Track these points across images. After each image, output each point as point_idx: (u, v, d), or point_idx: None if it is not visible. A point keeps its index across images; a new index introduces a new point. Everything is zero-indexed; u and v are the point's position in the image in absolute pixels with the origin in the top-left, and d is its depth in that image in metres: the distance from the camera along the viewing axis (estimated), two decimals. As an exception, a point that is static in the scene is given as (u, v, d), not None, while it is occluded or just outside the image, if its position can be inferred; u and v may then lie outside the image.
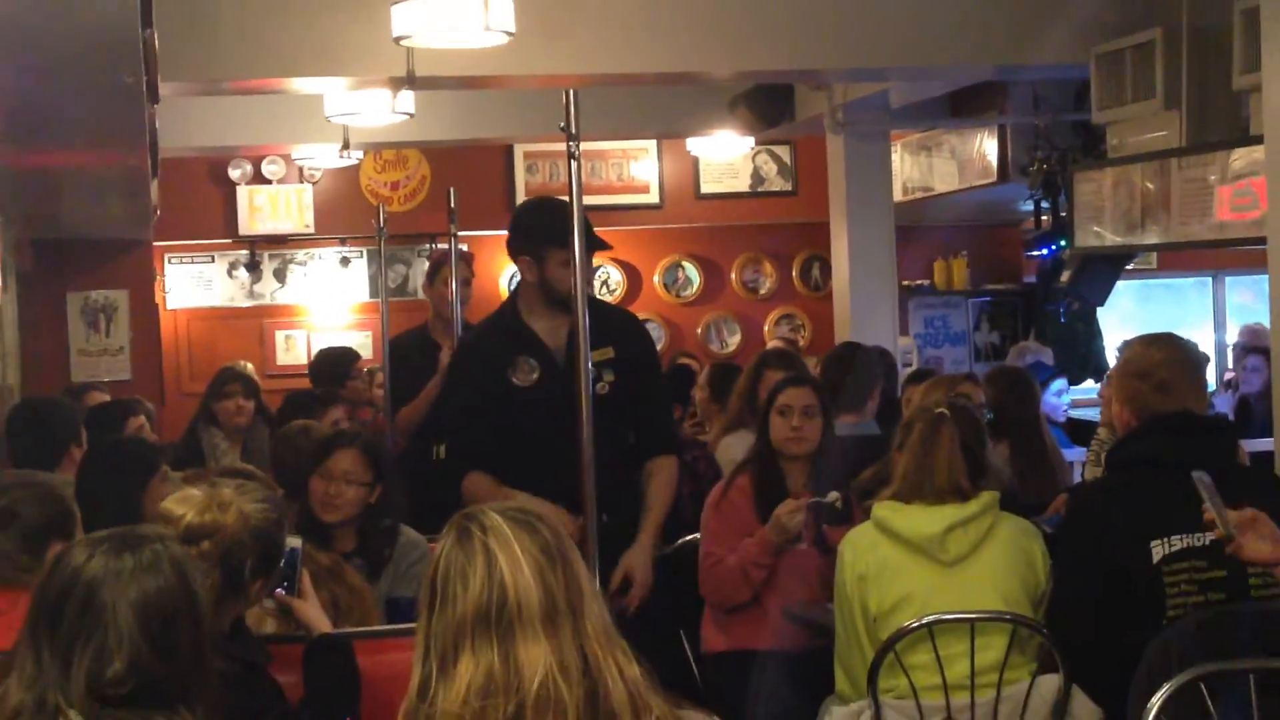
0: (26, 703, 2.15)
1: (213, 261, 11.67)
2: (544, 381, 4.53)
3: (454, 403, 4.95)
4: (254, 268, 11.63)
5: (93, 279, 10.01)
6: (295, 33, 6.90)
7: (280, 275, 11.74)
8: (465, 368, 4.94)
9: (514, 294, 4.74)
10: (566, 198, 4.12)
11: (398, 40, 5.72)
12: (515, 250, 4.85)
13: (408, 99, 7.66)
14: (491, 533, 2.03)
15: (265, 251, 11.68)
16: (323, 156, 9.99)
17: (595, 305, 4.68)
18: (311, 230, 11.56)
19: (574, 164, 3.80)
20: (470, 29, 5.50)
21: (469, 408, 4.81)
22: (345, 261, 11.82)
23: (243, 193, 11.45)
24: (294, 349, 11.62)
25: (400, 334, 6.51)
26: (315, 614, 3.29)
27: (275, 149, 10.65)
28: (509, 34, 5.57)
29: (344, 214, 11.44)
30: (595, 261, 11.94)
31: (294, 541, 3.32)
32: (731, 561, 4.78)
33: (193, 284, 11.64)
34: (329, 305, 11.79)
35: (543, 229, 4.68)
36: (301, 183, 11.49)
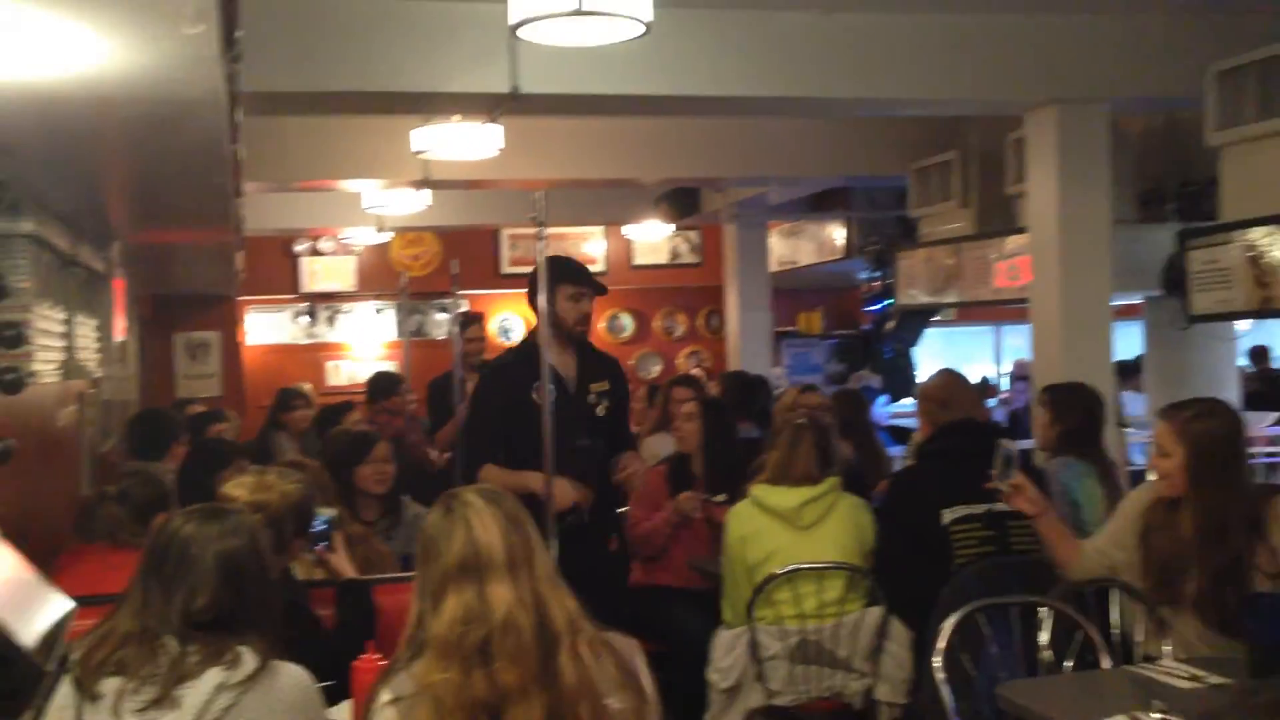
0: (134, 630, 2.12)
1: (281, 311, 11.60)
2: (558, 402, 4.05)
3: (480, 411, 4.38)
4: (312, 315, 11.60)
5: (193, 323, 9.89)
6: (343, 147, 6.90)
7: (331, 321, 11.69)
8: (492, 387, 4.41)
9: (534, 331, 4.20)
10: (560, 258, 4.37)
11: (417, 154, 5.73)
12: (533, 296, 4.23)
13: (426, 195, 7.65)
14: (468, 506, 2.03)
15: (320, 304, 11.63)
16: (362, 236, 9.95)
17: (594, 350, 4.42)
18: (354, 288, 11.52)
19: (542, 244, 3.79)
20: (470, 147, 5.51)
21: (490, 416, 4.31)
22: (378, 311, 11.77)
23: (304, 261, 11.40)
24: (340, 374, 11.59)
25: (438, 376, 6.30)
26: (345, 565, 3.26)
27: (329, 230, 10.59)
28: (498, 150, 5.59)
29: (378, 277, 11.40)
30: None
31: (330, 511, 3.30)
32: (646, 526, 4.77)
33: (266, 327, 11.55)
34: (366, 343, 11.74)
35: (552, 273, 4.28)
36: (347, 254, 11.44)
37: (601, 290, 4.36)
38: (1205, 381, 6.35)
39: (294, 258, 11.40)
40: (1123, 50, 5.15)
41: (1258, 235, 4.66)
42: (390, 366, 10.56)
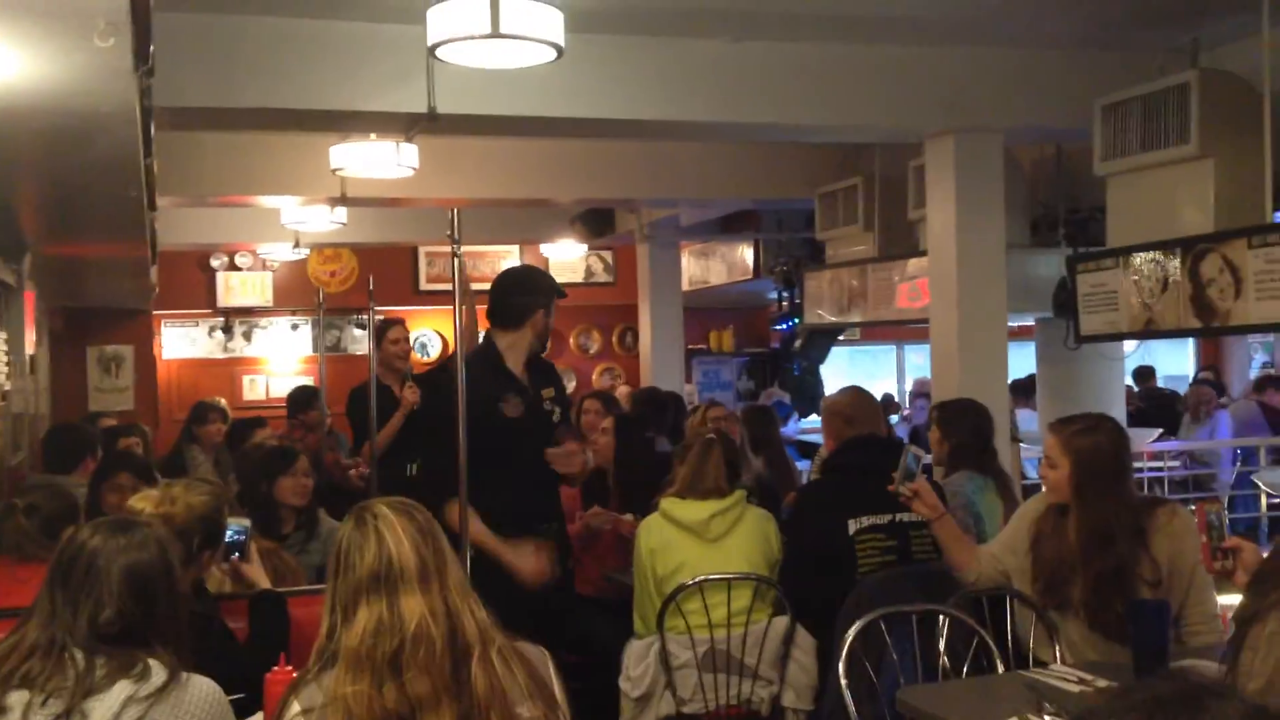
0: (41, 642, 2.06)
1: (197, 325, 11.39)
2: (525, 413, 3.88)
3: (441, 429, 3.71)
4: (228, 330, 11.39)
5: (106, 337, 9.65)
6: (260, 163, 6.80)
7: (248, 336, 11.49)
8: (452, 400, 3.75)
9: (492, 344, 4.01)
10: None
11: (334, 171, 5.66)
12: (522, 310, 4.02)
13: (342, 212, 7.56)
14: (381, 519, 2.01)
15: (236, 319, 11.44)
16: (279, 252, 9.80)
17: (541, 359, 4.15)
18: (271, 304, 11.34)
19: (457, 261, 3.76)
20: (386, 165, 5.47)
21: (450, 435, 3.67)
22: (295, 327, 11.59)
23: (220, 276, 11.20)
24: (256, 389, 11.39)
25: (359, 385, 5.86)
26: (258, 575, 3.20)
27: (245, 246, 10.42)
28: (414, 169, 5.55)
29: (295, 292, 11.24)
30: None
31: (243, 522, 3.22)
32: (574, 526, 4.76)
33: (182, 341, 11.33)
34: (282, 358, 11.55)
35: (547, 291, 4.10)
36: (264, 270, 11.26)
37: (562, 294, 4.18)
38: (1093, 399, 6.51)
39: (210, 272, 11.20)
40: (1017, 82, 5.29)
41: (1141, 260, 4.81)
42: (307, 381, 10.42)
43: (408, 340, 6.17)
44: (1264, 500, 8.53)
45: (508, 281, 4.18)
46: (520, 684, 1.94)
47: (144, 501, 2.93)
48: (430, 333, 11.60)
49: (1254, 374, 12.17)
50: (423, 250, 11.47)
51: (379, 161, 5.44)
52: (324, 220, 7.56)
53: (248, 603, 3.11)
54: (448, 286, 4.02)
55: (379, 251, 10.84)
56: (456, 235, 3.71)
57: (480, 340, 4.26)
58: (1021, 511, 3.51)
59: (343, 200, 6.93)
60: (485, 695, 1.88)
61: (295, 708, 1.89)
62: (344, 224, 7.77)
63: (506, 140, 6.96)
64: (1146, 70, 4.97)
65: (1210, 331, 4.58)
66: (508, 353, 4.01)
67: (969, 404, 4.55)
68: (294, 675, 2.16)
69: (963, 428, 4.44)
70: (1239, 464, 9.01)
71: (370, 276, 5.69)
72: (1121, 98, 4.90)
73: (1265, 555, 2.51)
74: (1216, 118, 4.53)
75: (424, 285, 11.57)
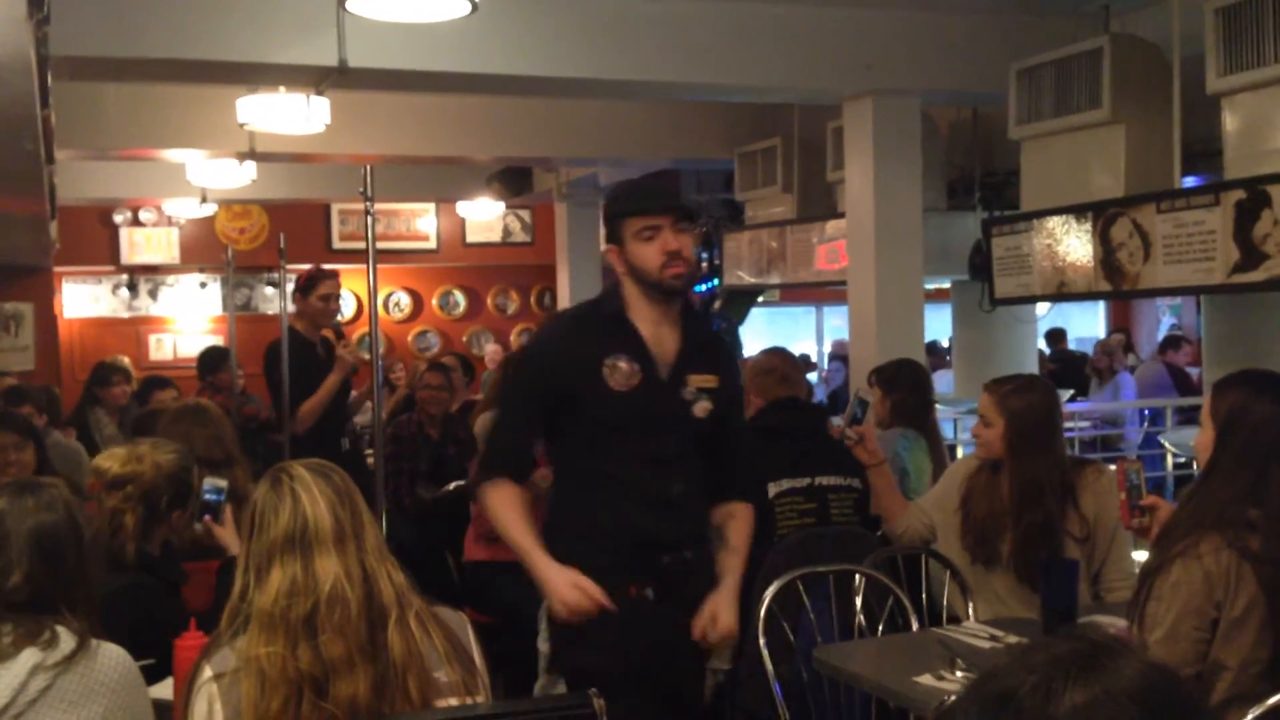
0: None
1: (100, 283, 11.11)
2: (642, 391, 2.68)
3: (514, 400, 2.95)
4: (133, 288, 11.14)
5: (4, 294, 9.37)
6: (165, 116, 6.63)
7: (153, 294, 11.25)
8: (540, 366, 2.87)
9: (615, 289, 2.83)
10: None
11: (241, 125, 5.54)
12: (612, 228, 2.83)
13: (252, 168, 7.41)
14: (297, 480, 1.99)
15: (141, 276, 11.18)
16: (186, 208, 9.58)
17: (701, 322, 3.02)
18: (177, 261, 11.08)
19: (370, 219, 3.72)
20: (296, 120, 5.36)
21: (527, 411, 2.82)
22: (203, 285, 11.37)
23: (124, 232, 10.91)
24: (163, 349, 11.16)
25: (277, 339, 5.26)
26: (230, 538, 3.08)
27: (150, 201, 10.16)
28: (326, 124, 5.45)
29: (203, 249, 11.00)
30: (385, 289, 11.52)
31: (218, 482, 3.14)
32: None
33: (84, 299, 11.06)
34: (190, 317, 11.33)
35: (618, 201, 2.85)
36: (170, 226, 11.00)
37: (691, 216, 2.78)
38: (1007, 361, 6.65)
39: (113, 228, 10.89)
40: (934, 46, 5.34)
41: (1054, 224, 4.91)
42: (217, 341, 10.24)
43: (339, 297, 5.64)
44: (1170, 460, 8.82)
45: (612, 196, 3.00)
46: (438, 648, 1.94)
47: (110, 460, 2.87)
48: (344, 292, 11.46)
49: (1160, 335, 12.53)
50: (335, 208, 11.29)
51: (288, 116, 5.32)
52: (232, 176, 7.40)
53: (219, 565, 3.05)
54: (361, 245, 3.98)
55: (290, 208, 10.65)
56: (370, 193, 3.67)
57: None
58: (952, 469, 3.61)
59: (251, 155, 6.79)
60: (402, 659, 1.89)
61: (207, 672, 1.88)
62: (253, 180, 7.62)
63: (422, 96, 6.86)
64: (1061, 35, 5.05)
65: (1120, 295, 4.70)
66: (636, 302, 2.78)
67: (907, 363, 4.64)
68: (202, 640, 2.14)
69: (904, 385, 4.52)
70: (1146, 424, 9.30)
71: (281, 234, 5.58)
72: (1035, 62, 4.98)
73: (1174, 509, 2.61)
74: (1127, 83, 4.63)
75: (337, 244, 11.40)
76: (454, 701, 1.90)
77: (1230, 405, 2.41)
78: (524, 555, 2.80)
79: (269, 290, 11.07)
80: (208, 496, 3.06)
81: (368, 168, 3.58)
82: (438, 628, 1.96)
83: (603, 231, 2.89)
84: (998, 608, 3.33)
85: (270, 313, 10.72)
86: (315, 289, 5.39)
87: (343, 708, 1.83)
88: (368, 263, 3.54)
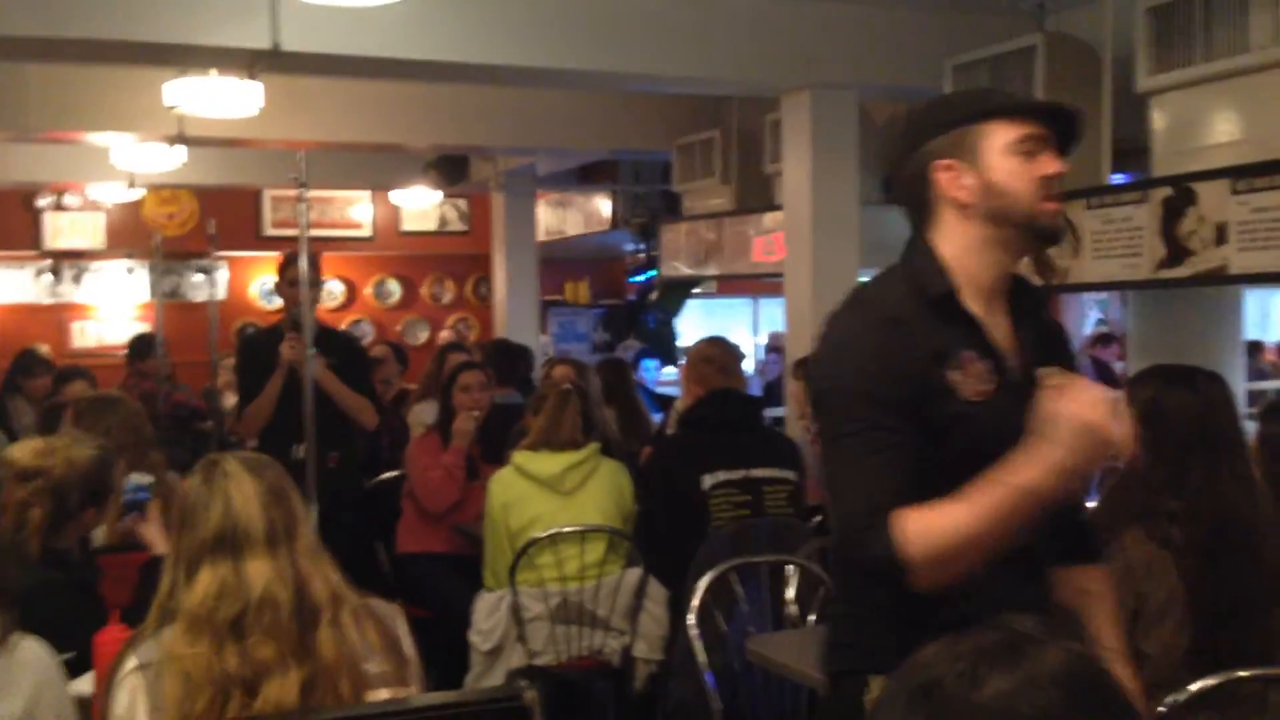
0: None
1: (22, 268, 10.85)
2: (998, 398, 1.82)
3: (855, 435, 1.80)
4: (56, 274, 10.89)
5: (-81, 278, 9.13)
6: (90, 98, 6.49)
7: (77, 280, 11.00)
8: (873, 380, 1.81)
9: (920, 247, 1.91)
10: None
11: (168, 108, 5.44)
12: (923, 154, 1.89)
13: (182, 152, 7.28)
14: (229, 476, 1.95)
15: (65, 262, 10.93)
16: (113, 192, 9.37)
17: (1032, 293, 1.97)
18: (103, 247, 10.85)
19: (303, 205, 3.68)
20: (226, 103, 5.27)
21: (888, 438, 1.79)
22: (130, 271, 11.15)
23: (48, 217, 10.65)
24: (86, 337, 10.93)
25: (248, 329, 4.86)
26: (154, 537, 3.01)
27: (74, 185, 9.94)
28: (260, 108, 5.36)
29: (130, 235, 10.75)
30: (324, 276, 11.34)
31: (144, 479, 3.07)
32: (438, 472, 4.71)
33: (5, 285, 10.80)
34: (115, 304, 11.11)
35: (979, 97, 1.95)
36: (96, 210, 10.76)
37: (1078, 138, 1.90)
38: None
39: (36, 212, 10.63)
40: (872, 41, 5.38)
41: (987, 219, 4.97)
42: (144, 329, 10.06)
43: (319, 284, 5.10)
44: (1096, 452, 8.97)
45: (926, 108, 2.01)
46: (372, 642, 1.93)
47: (21, 451, 2.79)
48: (274, 279, 11.31)
49: (1088, 330, 12.76)
50: (267, 194, 11.12)
51: (218, 99, 5.23)
52: (161, 160, 7.26)
53: (143, 563, 2.98)
54: (294, 232, 3.92)
55: (221, 194, 10.46)
56: (303, 179, 3.63)
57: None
58: None
59: (181, 139, 6.67)
60: (334, 659, 1.87)
61: (132, 662, 1.85)
62: (184, 164, 7.48)
63: (357, 82, 6.78)
64: (997, 32, 5.12)
65: (1050, 289, 4.77)
66: (964, 258, 1.88)
67: None
68: (126, 635, 2.10)
69: None
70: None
71: (211, 220, 5.50)
72: (970, 59, 5.04)
73: (1094, 505, 2.65)
74: (1060, 81, 4.70)
75: (268, 230, 11.24)
76: (385, 693, 1.89)
77: (1145, 399, 2.45)
78: (1015, 493, 1.67)
79: (198, 277, 10.89)
80: (132, 495, 3.00)
81: (303, 154, 3.53)
82: (372, 622, 1.95)
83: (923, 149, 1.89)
84: None
85: (198, 299, 10.54)
86: (285, 272, 4.85)
87: (271, 708, 1.81)
88: (302, 252, 3.50)
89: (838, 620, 1.99)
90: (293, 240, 4.20)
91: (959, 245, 1.86)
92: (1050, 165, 1.83)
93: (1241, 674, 2.23)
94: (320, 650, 1.86)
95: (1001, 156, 1.83)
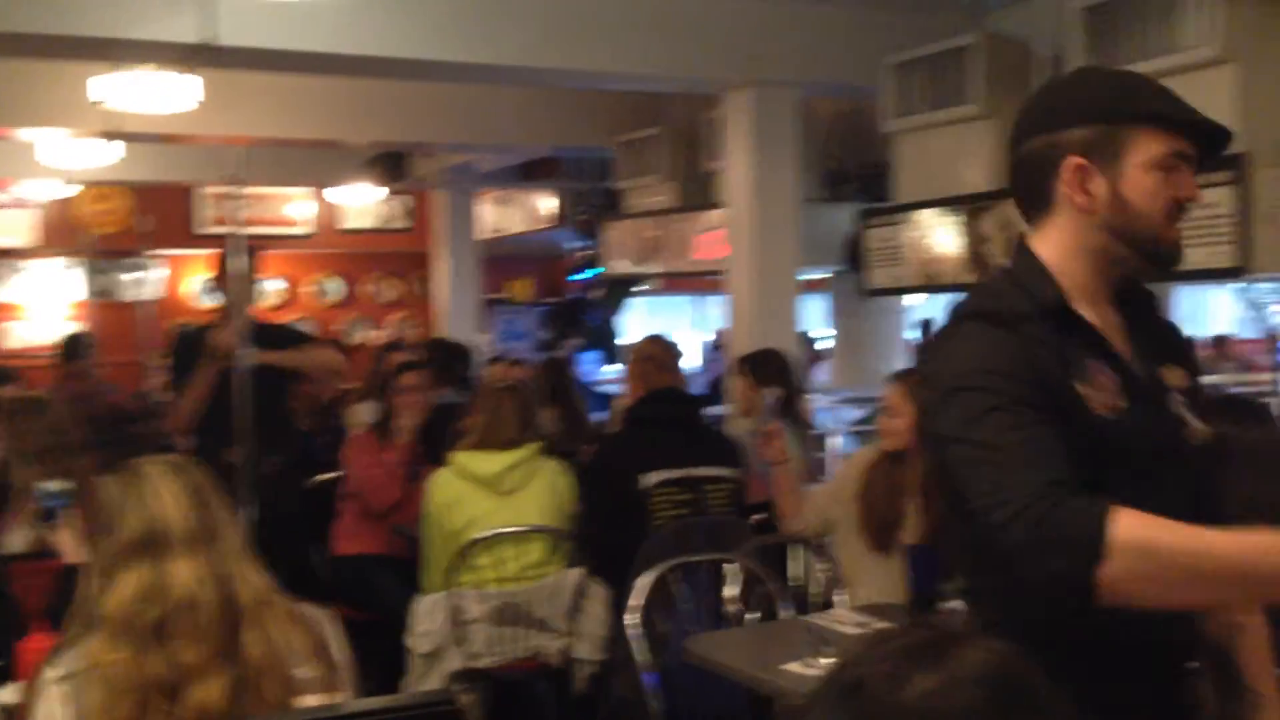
0: None
1: (-51, 267, 10.60)
2: (1132, 413, 1.61)
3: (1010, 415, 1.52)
4: (-17, 273, 10.65)
5: None
6: (19, 92, 6.35)
7: (6, 279, 10.76)
8: (1018, 389, 1.54)
9: (1022, 249, 1.71)
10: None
11: (95, 103, 5.33)
12: (1055, 141, 1.64)
13: (118, 148, 7.14)
14: (149, 478, 1.91)
15: (-7, 260, 10.69)
16: (44, 189, 9.18)
17: (1140, 292, 1.77)
18: (34, 245, 10.61)
19: (241, 202, 3.61)
20: (163, 99, 5.16)
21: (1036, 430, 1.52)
22: (63, 269, 10.92)
23: (-26, 215, 10.43)
24: (13, 337, 10.69)
25: (183, 326, 4.68)
26: (68, 544, 2.92)
27: (4, 182, 9.71)
28: (198, 103, 5.27)
29: (62, 233, 10.52)
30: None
31: (56, 486, 2.97)
32: (379, 469, 4.65)
33: (-69, 285, 10.54)
34: (46, 303, 10.87)
35: (1132, 94, 1.68)
36: (26, 208, 10.52)
37: (1220, 145, 1.71)
38: (879, 350, 6.79)
39: (-39, 211, 10.41)
40: (814, 38, 5.41)
41: (925, 217, 5.02)
42: (76, 329, 9.86)
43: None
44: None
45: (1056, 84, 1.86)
46: (300, 646, 1.89)
47: None
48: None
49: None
50: (201, 191, 10.94)
51: (151, 95, 5.13)
52: (92, 156, 7.12)
53: (58, 572, 2.90)
54: (230, 230, 3.85)
55: (155, 192, 10.28)
56: (241, 176, 3.57)
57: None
58: (850, 463, 3.61)
59: (115, 135, 6.54)
60: (260, 661, 1.83)
61: (54, 673, 1.80)
62: (119, 160, 7.34)
63: (296, 77, 6.69)
64: (936, 31, 5.16)
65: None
66: (1067, 274, 1.69)
67: (772, 351, 4.70)
68: (49, 643, 2.05)
69: (771, 375, 4.57)
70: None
71: (142, 218, 5.39)
72: (909, 57, 5.08)
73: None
74: (997, 80, 4.75)
75: (202, 228, 11.06)
76: (315, 699, 1.85)
77: None
78: (1244, 556, 1.44)
79: (132, 276, 10.69)
80: (45, 501, 2.91)
81: (241, 150, 3.46)
82: (300, 626, 1.91)
83: (1053, 135, 1.67)
84: (892, 595, 3.37)
85: (133, 299, 10.35)
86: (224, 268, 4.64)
87: (195, 712, 1.77)
88: (238, 249, 3.43)
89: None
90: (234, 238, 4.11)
91: (1067, 249, 1.67)
92: (1189, 188, 1.66)
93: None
94: (246, 653, 1.83)
95: (1143, 171, 1.63)
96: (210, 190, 10.86)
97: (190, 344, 4.69)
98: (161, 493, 1.88)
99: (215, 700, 1.77)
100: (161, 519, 1.86)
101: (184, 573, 1.83)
